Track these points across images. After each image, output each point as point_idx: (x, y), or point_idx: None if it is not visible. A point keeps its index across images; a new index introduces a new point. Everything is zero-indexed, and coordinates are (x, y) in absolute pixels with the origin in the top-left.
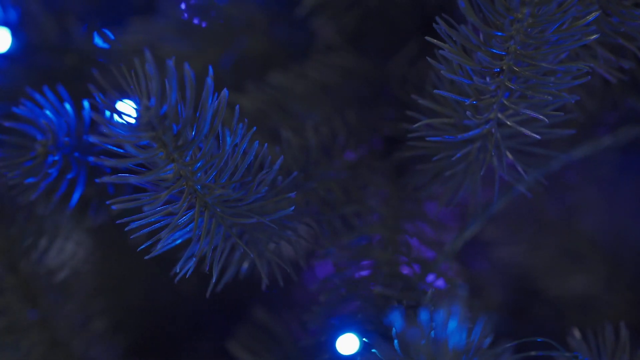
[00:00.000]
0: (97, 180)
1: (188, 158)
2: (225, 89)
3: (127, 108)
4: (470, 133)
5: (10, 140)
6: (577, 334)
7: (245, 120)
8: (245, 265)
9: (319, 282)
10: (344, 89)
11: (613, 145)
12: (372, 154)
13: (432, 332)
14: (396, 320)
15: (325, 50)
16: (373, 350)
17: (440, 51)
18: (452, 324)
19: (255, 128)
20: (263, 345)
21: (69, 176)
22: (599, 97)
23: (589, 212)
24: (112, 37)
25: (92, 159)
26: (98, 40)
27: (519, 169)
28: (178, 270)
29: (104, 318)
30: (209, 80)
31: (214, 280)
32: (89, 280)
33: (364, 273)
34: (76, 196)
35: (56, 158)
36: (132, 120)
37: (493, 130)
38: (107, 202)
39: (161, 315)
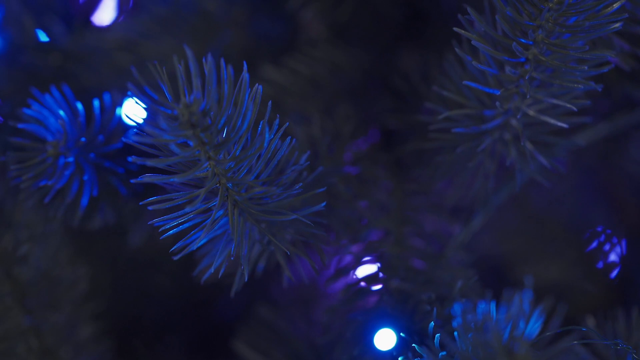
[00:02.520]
0: (133, 181)
1: (221, 156)
2: (258, 84)
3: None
4: (493, 123)
5: (16, 143)
6: (591, 321)
7: (278, 115)
8: (262, 263)
9: (331, 278)
10: (335, 83)
11: (612, 133)
12: (373, 147)
13: (504, 325)
14: (463, 314)
15: (312, 44)
16: (414, 345)
17: (473, 42)
18: (519, 316)
19: (287, 123)
20: (270, 343)
21: (84, 177)
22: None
23: (567, 200)
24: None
25: (130, 159)
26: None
27: (540, 158)
28: (210, 270)
29: (92, 324)
30: (246, 76)
31: (246, 279)
32: (79, 286)
33: (379, 267)
34: (86, 198)
35: (69, 160)
36: (172, 119)
37: (513, 120)
38: (141, 203)
39: (148, 319)
